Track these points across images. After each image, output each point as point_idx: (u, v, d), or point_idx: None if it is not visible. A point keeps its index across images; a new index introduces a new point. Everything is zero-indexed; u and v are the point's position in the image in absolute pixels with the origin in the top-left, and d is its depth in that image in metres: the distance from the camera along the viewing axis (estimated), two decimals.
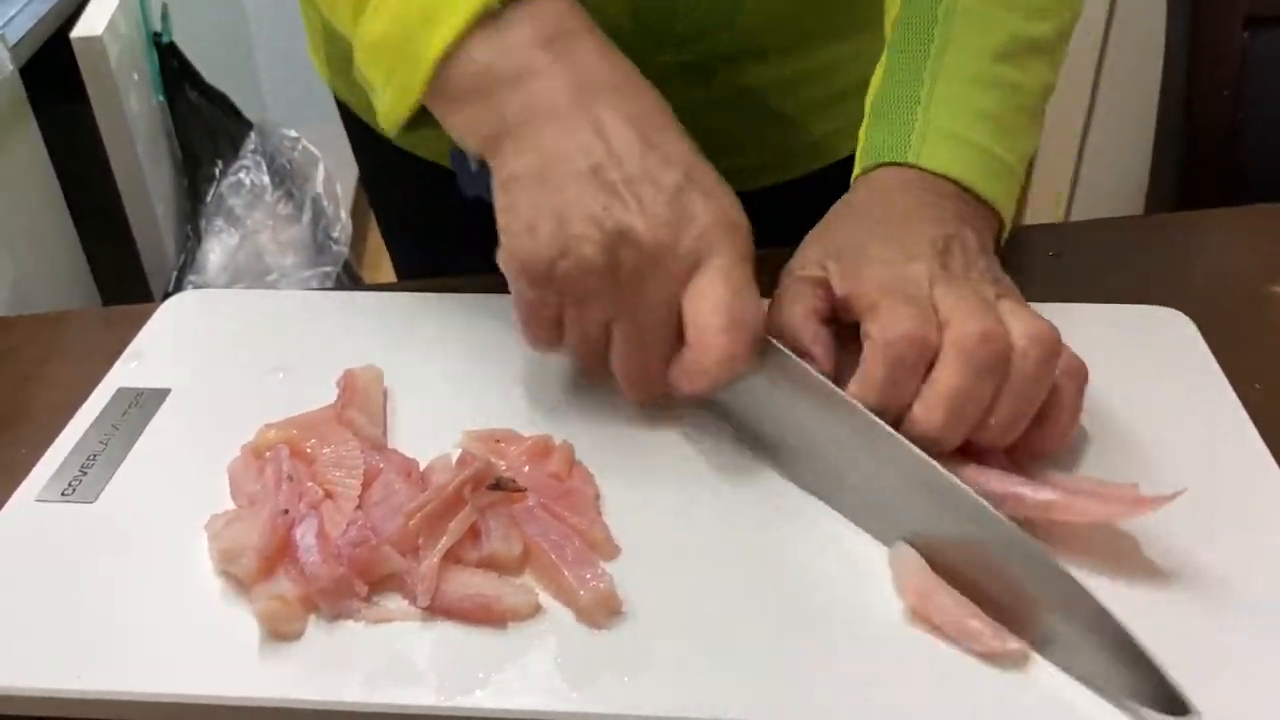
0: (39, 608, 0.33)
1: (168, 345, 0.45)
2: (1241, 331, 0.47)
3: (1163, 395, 0.40)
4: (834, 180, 0.54)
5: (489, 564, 0.33)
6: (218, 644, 0.32)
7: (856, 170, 0.44)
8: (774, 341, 0.38)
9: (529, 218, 0.36)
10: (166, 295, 0.69)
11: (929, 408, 0.34)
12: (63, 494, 0.37)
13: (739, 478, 0.38)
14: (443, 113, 0.39)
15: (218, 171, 0.98)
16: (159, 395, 0.42)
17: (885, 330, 0.35)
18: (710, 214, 0.37)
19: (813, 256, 0.39)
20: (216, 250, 0.87)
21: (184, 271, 0.87)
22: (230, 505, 0.36)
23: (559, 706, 0.30)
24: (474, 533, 0.34)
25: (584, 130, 0.37)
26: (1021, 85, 0.45)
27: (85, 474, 0.38)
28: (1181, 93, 0.75)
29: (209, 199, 0.91)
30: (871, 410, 0.35)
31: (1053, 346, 0.35)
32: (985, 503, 0.33)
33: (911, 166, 0.42)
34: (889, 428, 0.35)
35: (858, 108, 0.50)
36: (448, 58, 0.38)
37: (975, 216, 0.41)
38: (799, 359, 0.37)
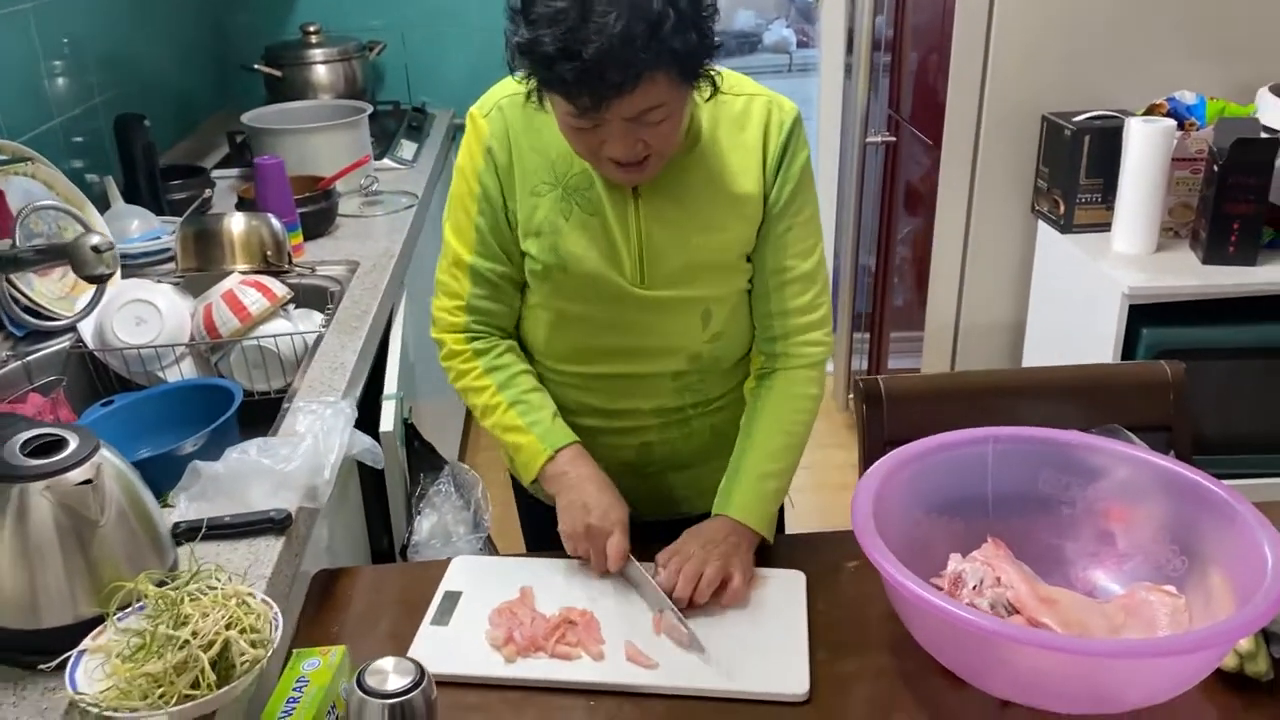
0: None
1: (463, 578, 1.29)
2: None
3: None
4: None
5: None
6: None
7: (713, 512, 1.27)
8: (632, 558, 1.22)
9: (563, 519, 1.24)
10: (404, 549, 1.55)
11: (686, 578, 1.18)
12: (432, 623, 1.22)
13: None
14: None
15: (423, 481, 1.87)
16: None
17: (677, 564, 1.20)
18: (611, 516, 1.22)
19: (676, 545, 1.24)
20: (425, 525, 1.74)
21: (410, 535, 1.74)
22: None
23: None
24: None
25: (575, 495, 1.24)
26: (784, 472, 1.30)
27: (445, 615, 1.22)
28: None
29: (423, 497, 1.79)
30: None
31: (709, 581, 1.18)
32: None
33: (729, 517, 1.25)
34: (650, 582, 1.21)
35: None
36: (536, 474, 1.28)
37: (748, 535, 1.24)
38: (635, 563, 1.22)
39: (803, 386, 1.31)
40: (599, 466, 1.27)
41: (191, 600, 0.94)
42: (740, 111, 1.25)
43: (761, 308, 1.32)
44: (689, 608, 1.18)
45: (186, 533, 1.17)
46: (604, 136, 1.11)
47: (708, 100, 1.22)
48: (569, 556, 1.27)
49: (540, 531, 1.39)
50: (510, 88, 1.21)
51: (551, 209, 1.24)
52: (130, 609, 0.99)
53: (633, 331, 1.30)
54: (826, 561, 1.30)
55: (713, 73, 1.15)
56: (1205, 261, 2.09)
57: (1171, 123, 2.08)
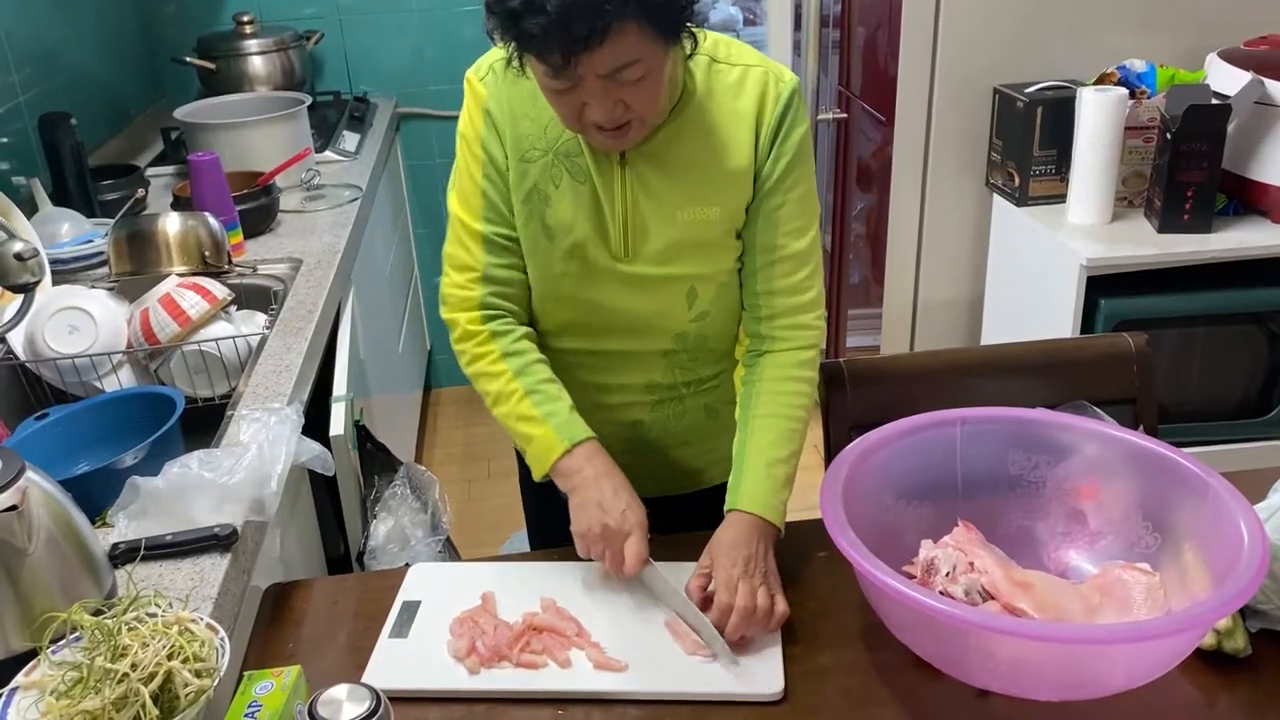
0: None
1: (421, 587, 1.25)
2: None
3: None
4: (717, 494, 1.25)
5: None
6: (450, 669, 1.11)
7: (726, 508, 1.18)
8: (651, 561, 1.15)
9: (576, 518, 1.16)
10: (361, 555, 1.50)
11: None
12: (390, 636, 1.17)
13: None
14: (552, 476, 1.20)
15: (377, 484, 1.81)
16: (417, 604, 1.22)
17: (727, 597, 1.09)
18: (630, 518, 1.14)
19: (704, 559, 1.16)
20: (381, 530, 1.68)
21: (366, 540, 1.68)
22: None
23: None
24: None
25: (591, 493, 1.15)
26: (790, 458, 1.22)
27: (404, 627, 1.17)
28: None
29: (378, 501, 1.73)
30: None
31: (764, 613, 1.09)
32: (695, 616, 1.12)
33: (744, 511, 1.16)
34: (677, 592, 1.14)
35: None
36: (550, 469, 1.19)
37: (768, 532, 1.17)
38: (655, 567, 1.15)
39: (796, 369, 1.27)
40: (615, 463, 1.21)
41: (130, 630, 0.88)
42: (735, 82, 1.20)
43: (750, 286, 1.28)
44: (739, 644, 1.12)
45: (126, 554, 1.11)
46: (583, 98, 1.07)
47: (689, 57, 1.17)
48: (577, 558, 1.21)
49: (549, 524, 1.33)
50: (502, 52, 1.16)
51: (541, 175, 1.20)
52: (64, 641, 0.93)
53: (617, 309, 1.27)
54: (796, 552, 1.26)
55: (694, 29, 1.11)
56: (1161, 230, 2.09)
57: (1123, 92, 2.07)
